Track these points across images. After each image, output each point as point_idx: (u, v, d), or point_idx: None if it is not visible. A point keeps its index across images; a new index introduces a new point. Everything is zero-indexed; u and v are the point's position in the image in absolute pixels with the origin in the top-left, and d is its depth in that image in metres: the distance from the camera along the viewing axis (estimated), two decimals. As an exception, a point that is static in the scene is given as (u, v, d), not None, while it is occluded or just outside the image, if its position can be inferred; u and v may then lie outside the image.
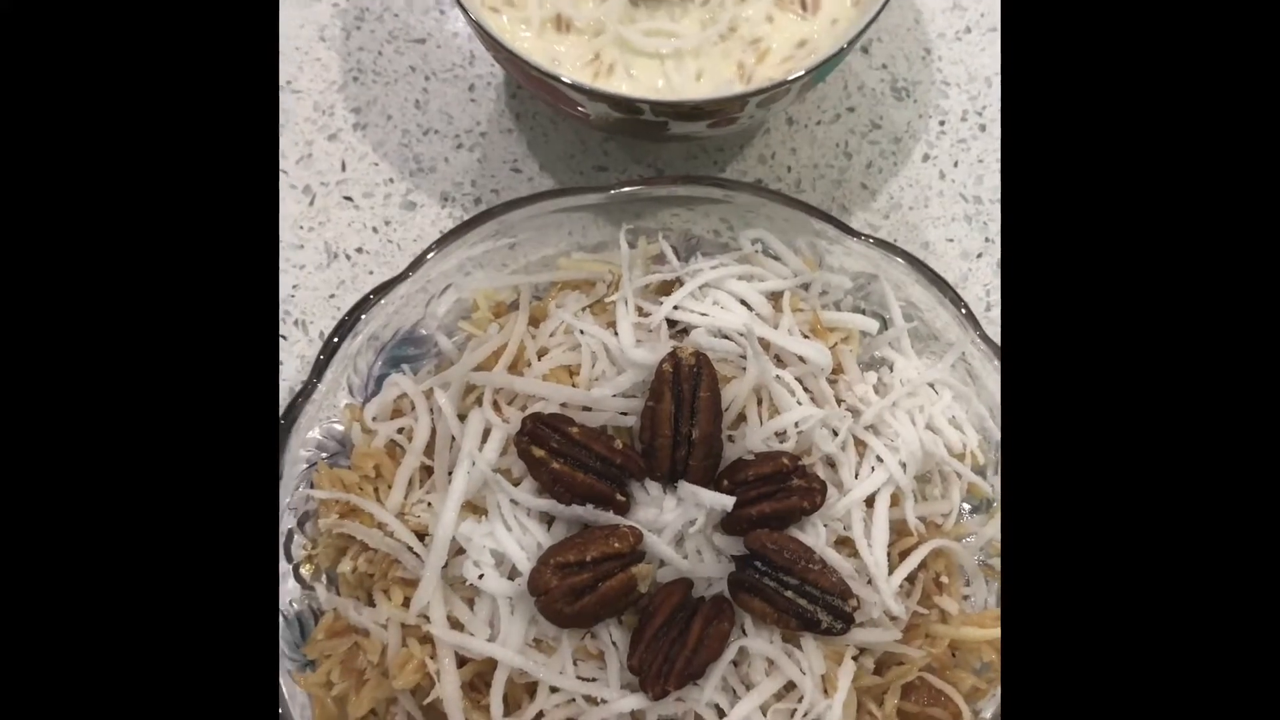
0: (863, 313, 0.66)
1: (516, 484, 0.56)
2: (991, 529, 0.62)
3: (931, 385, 0.64)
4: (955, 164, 0.77)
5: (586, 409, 0.57)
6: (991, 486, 0.64)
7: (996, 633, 0.59)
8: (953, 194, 0.76)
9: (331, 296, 0.73)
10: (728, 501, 0.54)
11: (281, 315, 0.71)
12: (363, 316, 0.63)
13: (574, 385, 0.59)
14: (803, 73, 0.61)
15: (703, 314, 0.61)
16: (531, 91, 0.69)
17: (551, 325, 0.61)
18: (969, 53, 0.79)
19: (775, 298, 0.64)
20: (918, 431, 0.61)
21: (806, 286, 0.66)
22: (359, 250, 0.74)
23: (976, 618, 0.60)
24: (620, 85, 0.64)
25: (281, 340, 0.71)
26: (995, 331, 0.70)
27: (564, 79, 0.60)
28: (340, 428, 0.63)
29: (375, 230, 0.74)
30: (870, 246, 0.65)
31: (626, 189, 0.65)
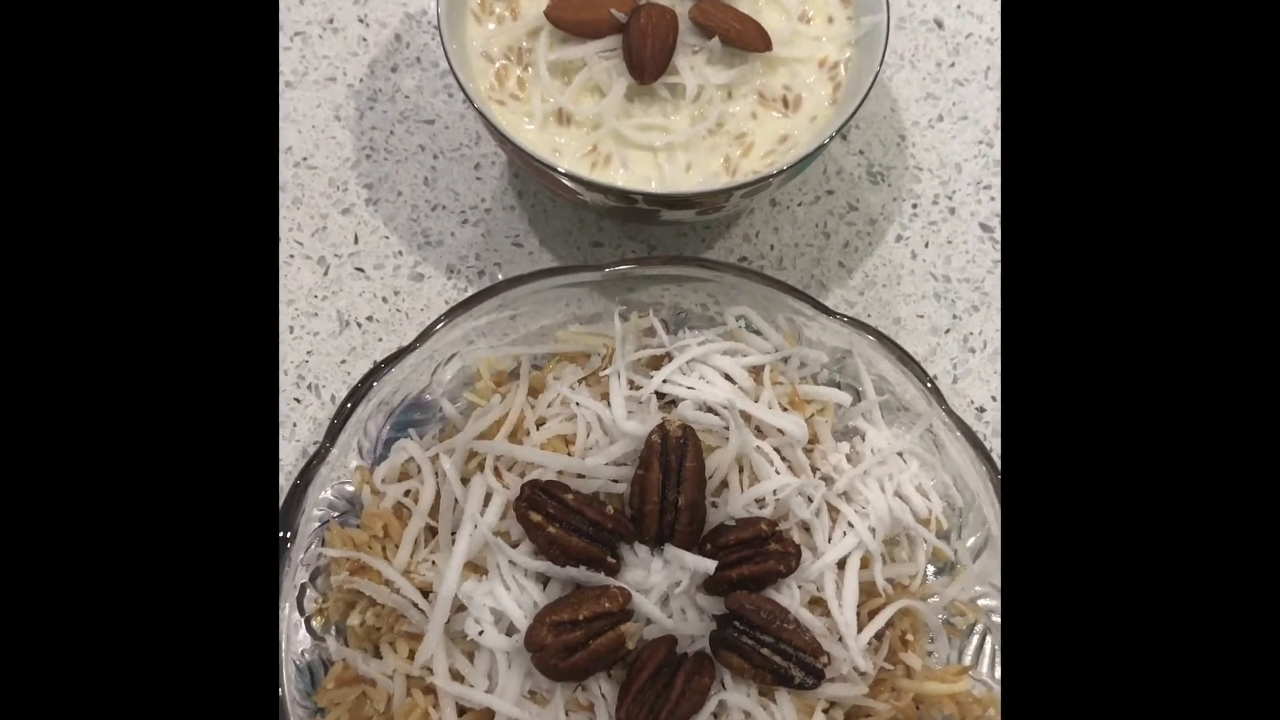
0: (838, 385, 0.70)
1: (515, 546, 0.59)
2: (954, 589, 0.66)
3: (900, 455, 0.68)
4: (926, 244, 0.81)
5: (581, 476, 0.61)
6: (954, 550, 0.68)
7: (958, 687, 0.63)
8: (923, 273, 0.80)
9: (343, 362, 0.75)
10: (710, 565, 0.58)
11: (296, 380, 0.75)
12: (374, 384, 0.66)
13: (570, 454, 0.62)
14: (784, 167, 0.66)
15: (689, 387, 0.65)
16: (533, 177, 0.73)
17: (549, 397, 0.65)
18: (940, 140, 0.84)
19: (757, 371, 0.68)
20: (887, 499, 0.65)
21: (786, 360, 0.70)
22: (369, 319, 0.76)
23: (939, 673, 0.64)
24: (616, 175, 0.68)
25: (295, 403, 0.74)
26: (961, 404, 0.75)
27: (563, 170, 0.65)
28: (351, 488, 0.66)
29: (385, 300, 0.77)
30: (844, 324, 0.69)
31: (621, 268, 0.69)
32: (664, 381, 0.65)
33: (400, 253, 0.78)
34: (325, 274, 0.78)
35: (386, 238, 0.78)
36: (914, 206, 0.82)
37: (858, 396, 0.70)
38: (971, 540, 0.68)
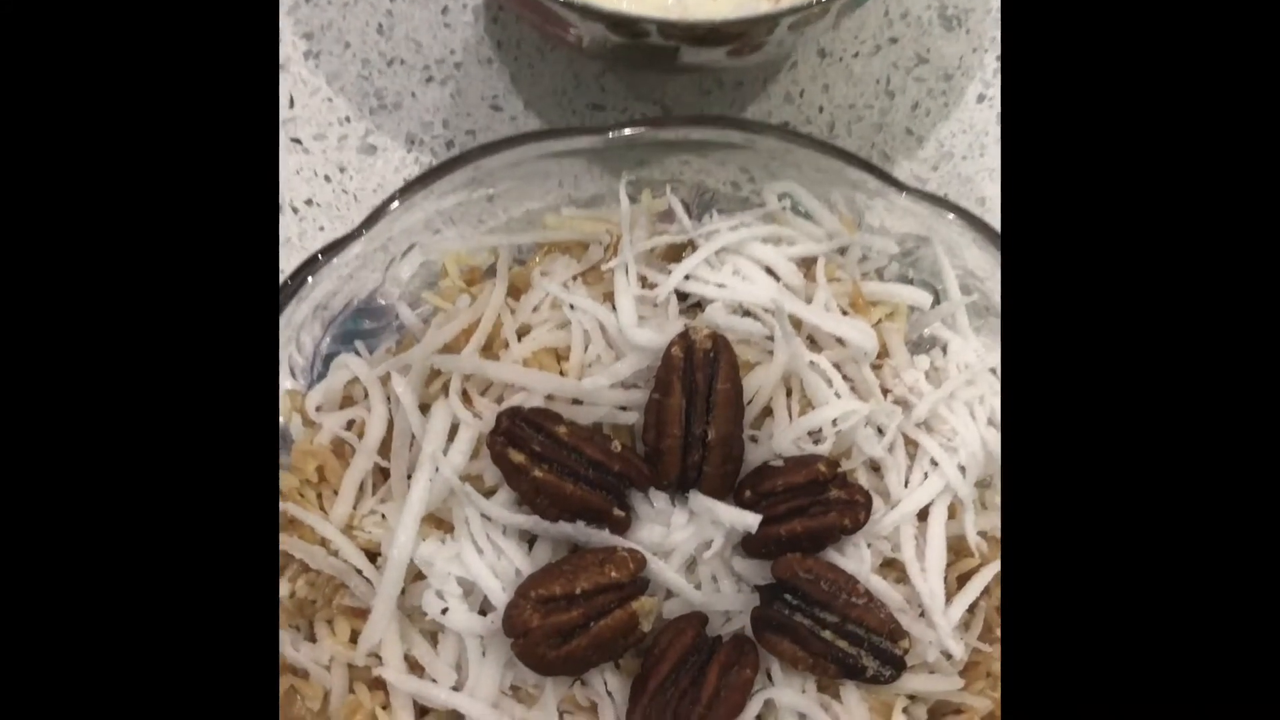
0: (911, 283, 0.58)
1: (490, 495, 0.49)
2: (1063, 545, 0.53)
3: (994, 371, 0.56)
4: (1016, 106, 0.67)
5: (577, 403, 0.50)
6: (1065, 494, 0.55)
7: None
8: (1013, 141, 0.67)
9: (275, 258, 0.63)
10: (751, 520, 0.47)
11: (215, 280, 0.62)
12: (309, 280, 0.55)
13: (562, 373, 0.51)
14: (845, -10, 0.51)
15: (720, 285, 0.53)
16: (515, 13, 0.61)
17: (535, 298, 0.53)
18: (1032, -26, 0.69)
19: (807, 265, 0.56)
20: (979, 428, 0.53)
21: (843, 251, 0.58)
22: (308, 203, 0.66)
23: (1047, 653, 0.51)
24: (622, 1, 0.54)
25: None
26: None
27: (554, -7, 0.51)
28: (279, 419, 0.55)
29: (328, 179, 0.67)
30: (919, 202, 0.57)
31: (628, 131, 0.56)
32: (686, 277, 0.53)
33: (347, 119, 0.67)
34: (252, 146, 0.64)
35: (329, 100, 0.67)
36: (999, 58, 0.70)
37: (937, 297, 0.58)
38: (1086, 481, 0.54)
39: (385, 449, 0.51)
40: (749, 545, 0.48)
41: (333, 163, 0.66)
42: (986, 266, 0.57)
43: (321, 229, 0.65)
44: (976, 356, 0.55)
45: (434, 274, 0.58)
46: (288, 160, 0.66)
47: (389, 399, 0.52)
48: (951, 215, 0.56)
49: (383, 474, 0.52)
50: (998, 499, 0.55)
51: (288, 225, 0.65)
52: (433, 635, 0.48)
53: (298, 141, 0.66)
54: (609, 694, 0.46)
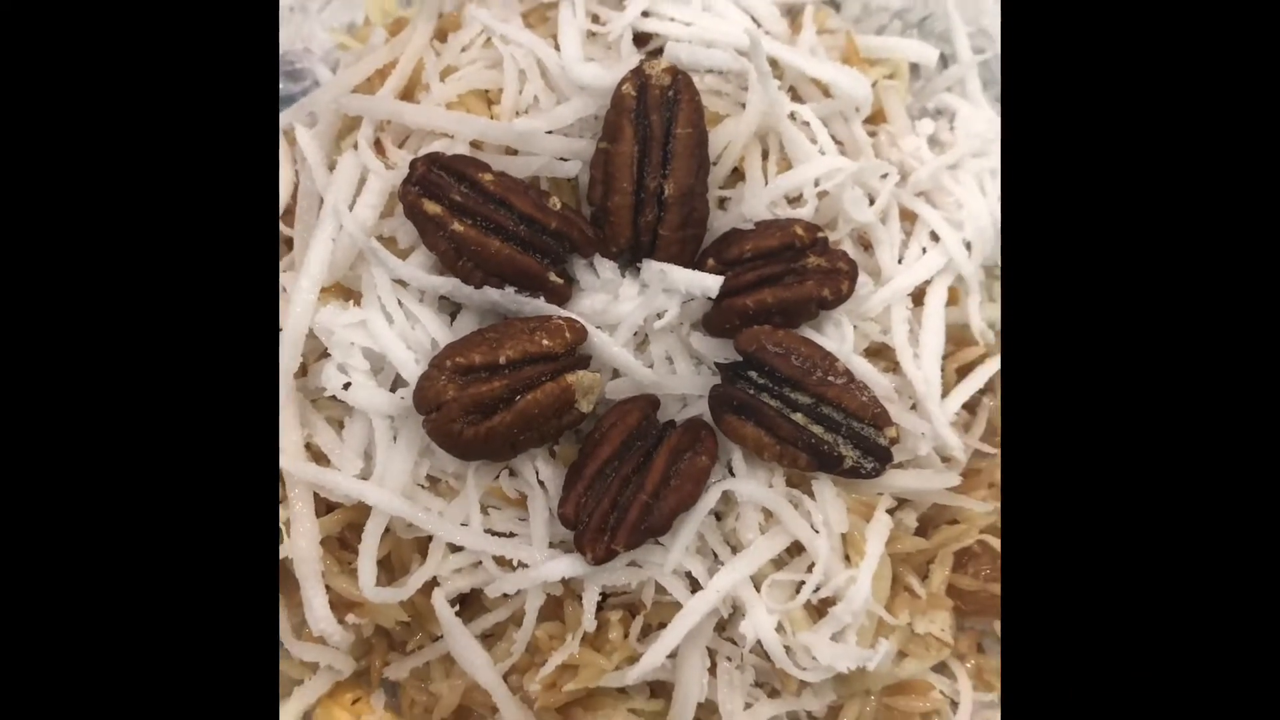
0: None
1: (405, 257, 0.42)
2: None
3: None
4: None
5: (510, 152, 0.43)
6: (1088, 284, 0.47)
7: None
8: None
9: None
10: (712, 284, 0.40)
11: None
12: None
13: (493, 117, 0.43)
14: None
15: (686, 24, 0.45)
16: None
17: (466, 35, 0.46)
18: None
19: (793, 14, 0.48)
20: (989, 203, 0.47)
21: (837, 6, 0.51)
22: None
23: (1060, 462, 0.44)
24: None
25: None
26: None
27: None
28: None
29: None
30: None
31: None
32: (645, 14, 0.45)
33: None
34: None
35: None
36: None
37: (945, 62, 0.51)
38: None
39: (289, 218, 0.44)
40: (710, 320, 0.41)
41: None
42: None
43: None
44: (988, 125, 0.48)
45: (357, 30, 0.51)
46: None
47: (295, 159, 0.44)
48: None
49: (287, 245, 0.44)
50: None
51: None
52: (339, 422, 0.42)
53: None
54: (540, 483, 0.40)
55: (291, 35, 0.49)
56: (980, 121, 0.49)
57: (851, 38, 0.47)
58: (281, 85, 0.51)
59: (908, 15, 0.51)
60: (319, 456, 0.42)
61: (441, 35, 0.46)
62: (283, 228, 0.45)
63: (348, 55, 0.47)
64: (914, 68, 0.50)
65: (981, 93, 0.50)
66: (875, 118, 0.47)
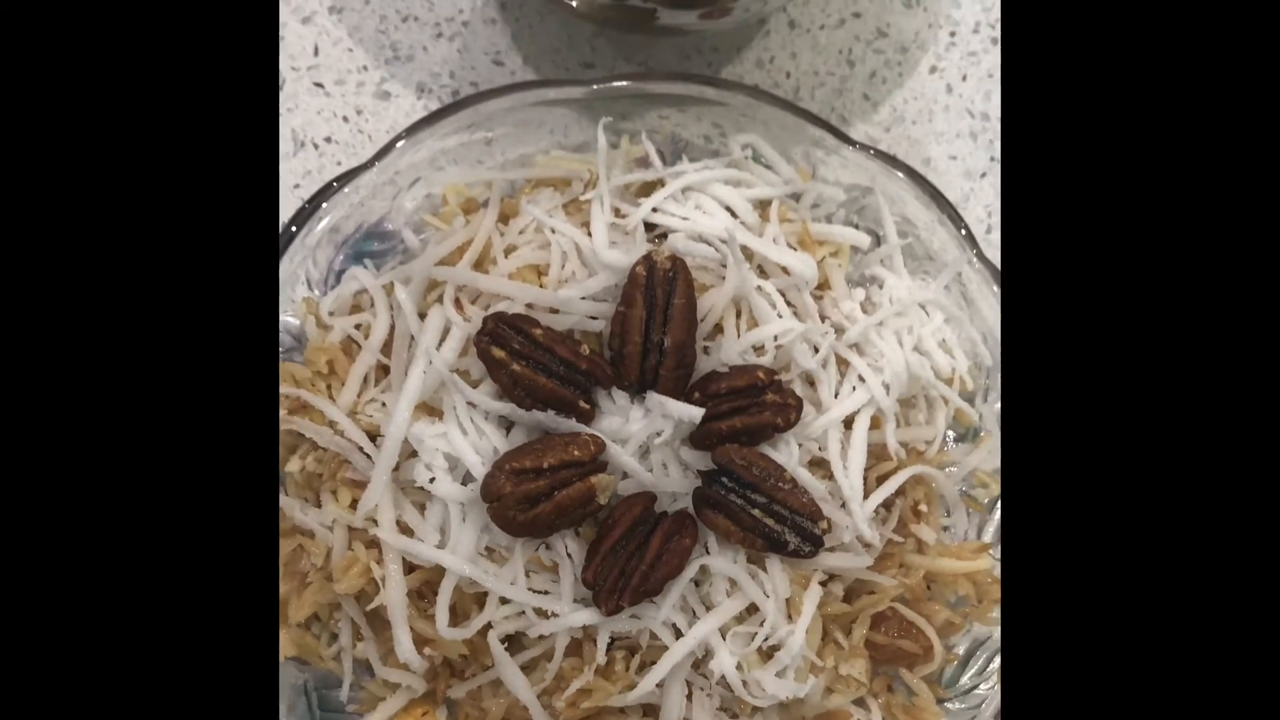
0: (856, 228, 0.62)
1: (475, 386, 0.53)
2: (976, 458, 0.60)
3: (923, 306, 0.61)
4: (964, 78, 0.72)
5: (553, 311, 0.54)
6: (979, 414, 0.61)
7: (976, 565, 0.57)
8: (959, 109, 0.72)
9: (296, 187, 0.69)
10: (696, 413, 0.52)
11: (243, 204, 0.67)
12: (324, 205, 0.59)
13: (542, 285, 0.55)
14: (804, -39, 0.57)
15: (683, 218, 0.58)
16: None
17: (521, 222, 0.58)
18: (987, -40, 0.74)
19: (763, 207, 0.61)
20: (904, 353, 0.58)
21: (798, 197, 0.62)
22: (328, 140, 0.70)
23: (955, 549, 0.58)
24: None
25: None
26: (995, 255, 0.66)
27: (546, -46, 0.56)
28: (296, 321, 0.60)
29: (346, 119, 0.71)
30: (869, 158, 0.61)
31: (613, 84, 0.61)
32: (654, 210, 0.58)
33: (365, 68, 0.71)
34: (280, 89, 0.70)
35: (350, 50, 0.71)
36: (952, 34, 0.73)
37: (877, 241, 0.62)
38: (999, 405, 0.60)
39: (387, 349, 0.56)
40: (694, 437, 0.53)
41: (351, 106, 0.70)
42: (924, 217, 0.61)
43: (339, 163, 0.69)
44: (908, 292, 0.60)
45: (436, 204, 0.62)
46: (311, 102, 0.70)
47: (392, 306, 0.56)
48: (901, 174, 0.60)
49: (384, 370, 0.56)
50: (921, 416, 0.60)
51: (309, 159, 0.69)
52: (421, 504, 0.53)
53: (320, 85, 0.70)
54: (568, 555, 0.51)
55: (385, 204, 0.61)
56: (902, 289, 0.60)
57: (806, 226, 0.60)
58: (375, 243, 0.62)
59: (850, 205, 0.62)
60: (406, 530, 0.52)
61: (504, 219, 0.58)
62: (380, 357, 0.56)
63: (436, 234, 0.58)
64: (853, 247, 0.61)
65: (903, 265, 0.61)
66: (823, 285, 0.59)
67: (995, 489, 0.60)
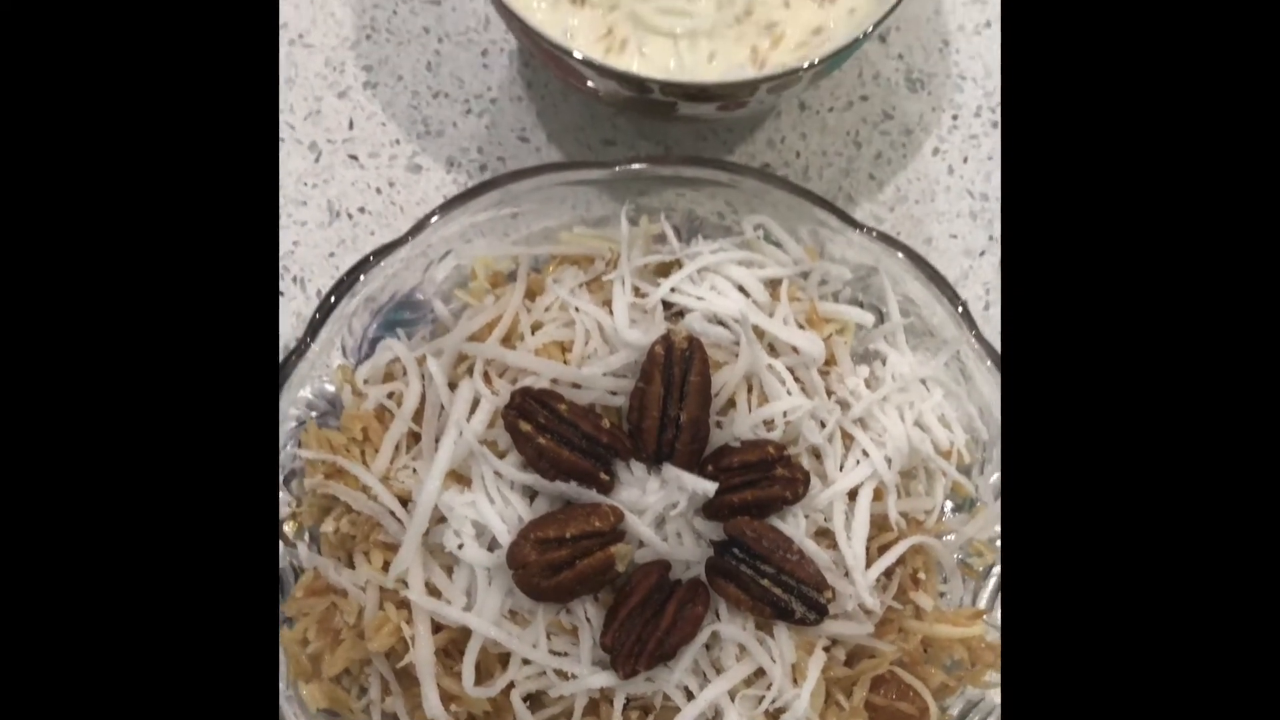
0: (860, 305, 0.66)
1: (502, 456, 0.56)
2: (972, 528, 0.63)
3: (923, 381, 0.64)
4: (965, 160, 0.76)
5: (576, 386, 0.57)
6: (975, 486, 0.64)
7: (970, 631, 0.60)
8: (960, 190, 0.75)
9: (331, 255, 0.72)
10: (710, 487, 0.55)
11: (280, 271, 0.71)
12: (361, 278, 0.62)
13: (566, 361, 0.58)
14: (816, 61, 0.61)
15: (699, 298, 0.61)
16: (543, 62, 0.69)
17: (547, 300, 0.61)
18: (987, 47, 0.78)
19: (774, 285, 0.64)
20: (906, 427, 0.61)
21: (806, 275, 0.65)
22: (361, 210, 0.73)
23: (951, 615, 0.60)
24: (632, 62, 0.63)
25: (279, 296, 0.71)
26: (993, 331, 0.70)
27: (575, 54, 0.60)
28: (331, 388, 0.63)
29: (379, 191, 0.74)
30: (871, 239, 0.65)
31: (633, 167, 0.64)
32: (672, 290, 0.61)
33: (398, 141, 0.74)
34: (317, 160, 0.74)
35: (384, 125, 0.75)
36: (954, 118, 0.77)
37: (881, 318, 0.66)
38: (994, 477, 0.64)
39: (418, 417, 0.58)
40: (707, 508, 0.55)
41: (384, 178, 0.73)
42: (924, 295, 0.64)
43: (372, 234, 0.72)
44: (909, 368, 0.63)
45: (464, 275, 0.65)
46: (346, 174, 0.73)
47: (424, 376, 0.59)
48: (900, 254, 0.64)
49: (415, 437, 0.58)
50: (921, 487, 0.64)
51: (343, 229, 0.72)
52: (449, 568, 0.55)
53: (355, 158, 0.74)
54: (588, 620, 0.54)
55: (417, 275, 0.64)
56: (904, 365, 0.63)
57: (814, 305, 0.63)
58: (406, 313, 0.65)
59: (855, 284, 0.65)
60: (435, 592, 0.54)
61: (531, 295, 0.61)
62: (412, 424, 0.59)
63: (468, 311, 0.61)
64: (858, 324, 0.64)
65: (905, 342, 0.64)
66: (829, 361, 0.61)
67: (990, 557, 0.63)
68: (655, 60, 0.64)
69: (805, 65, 0.60)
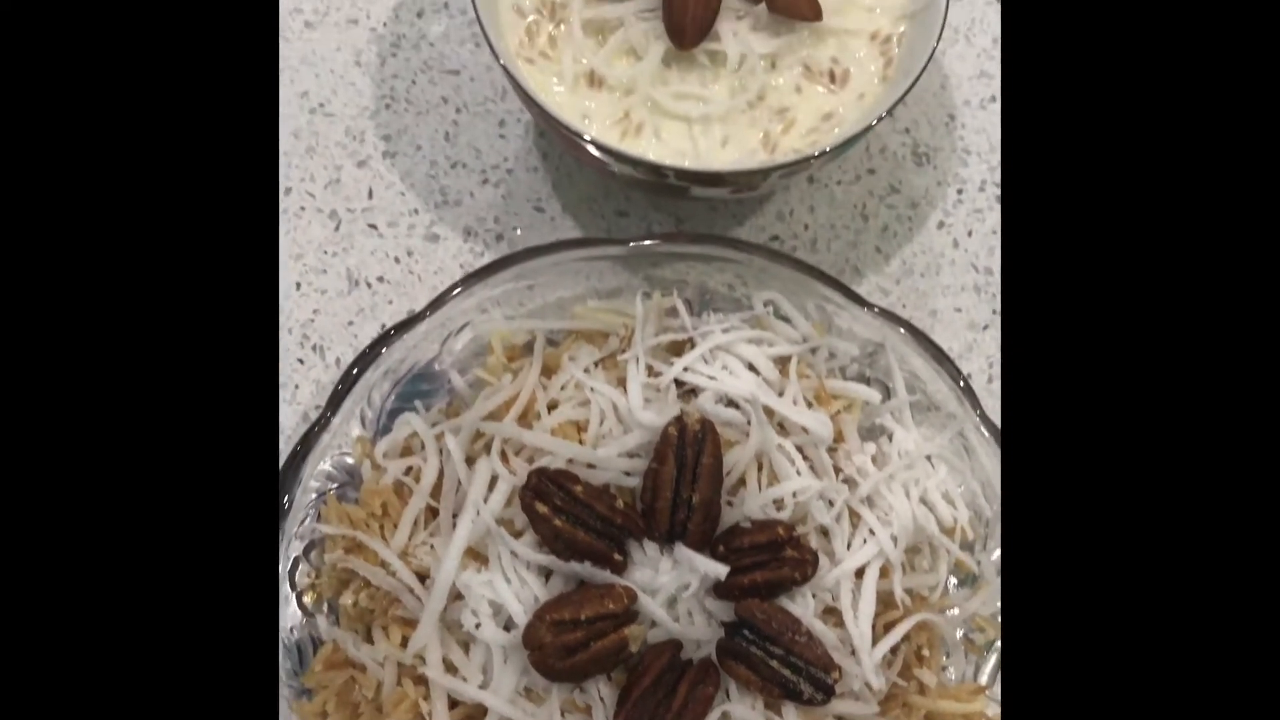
0: (868, 380, 0.67)
1: (518, 536, 0.57)
2: (975, 603, 0.64)
3: (929, 458, 0.65)
4: (969, 233, 0.78)
5: (591, 466, 0.59)
6: (978, 562, 0.65)
7: (973, 707, 0.61)
8: (964, 263, 0.77)
9: (350, 324, 0.73)
10: (722, 570, 0.56)
11: (300, 339, 0.73)
12: (382, 350, 0.64)
13: (581, 442, 0.60)
14: (827, 148, 0.62)
15: (711, 378, 0.62)
16: (559, 143, 0.70)
17: (563, 379, 0.62)
18: (992, 122, 0.80)
19: (783, 362, 0.65)
20: (911, 505, 0.62)
21: (814, 351, 0.67)
22: (380, 279, 0.74)
23: (954, 691, 0.62)
24: (647, 146, 0.65)
25: (298, 364, 0.72)
26: (996, 405, 0.72)
27: (590, 139, 0.62)
28: (351, 460, 0.64)
29: (397, 260, 0.75)
30: (876, 316, 0.66)
31: (645, 244, 0.66)
32: (685, 369, 0.62)
33: (416, 211, 0.76)
34: (336, 229, 0.75)
35: (402, 194, 0.76)
36: (959, 192, 0.78)
37: (887, 394, 0.67)
38: (997, 553, 0.65)
39: (436, 493, 0.59)
40: (719, 589, 0.56)
41: (402, 247, 0.75)
42: (928, 371, 0.66)
43: (390, 302, 0.73)
44: (915, 445, 0.64)
45: (481, 347, 0.66)
46: (365, 243, 0.75)
47: (441, 453, 0.60)
48: (902, 329, 0.66)
49: (433, 513, 0.60)
50: (925, 563, 0.65)
51: (362, 297, 0.74)
52: (466, 645, 0.56)
53: (374, 227, 0.75)
54: (601, 699, 0.55)
55: (435, 347, 0.66)
56: (910, 442, 0.64)
57: (823, 383, 0.64)
58: (423, 384, 0.66)
59: (862, 359, 0.67)
60: (451, 669, 0.55)
61: (547, 372, 0.63)
62: (431, 499, 0.61)
63: (486, 390, 0.62)
64: (865, 400, 0.67)
65: (911, 419, 0.66)
66: (837, 437, 0.63)
67: (992, 633, 0.65)
68: (670, 144, 0.65)
69: (817, 153, 0.62)
